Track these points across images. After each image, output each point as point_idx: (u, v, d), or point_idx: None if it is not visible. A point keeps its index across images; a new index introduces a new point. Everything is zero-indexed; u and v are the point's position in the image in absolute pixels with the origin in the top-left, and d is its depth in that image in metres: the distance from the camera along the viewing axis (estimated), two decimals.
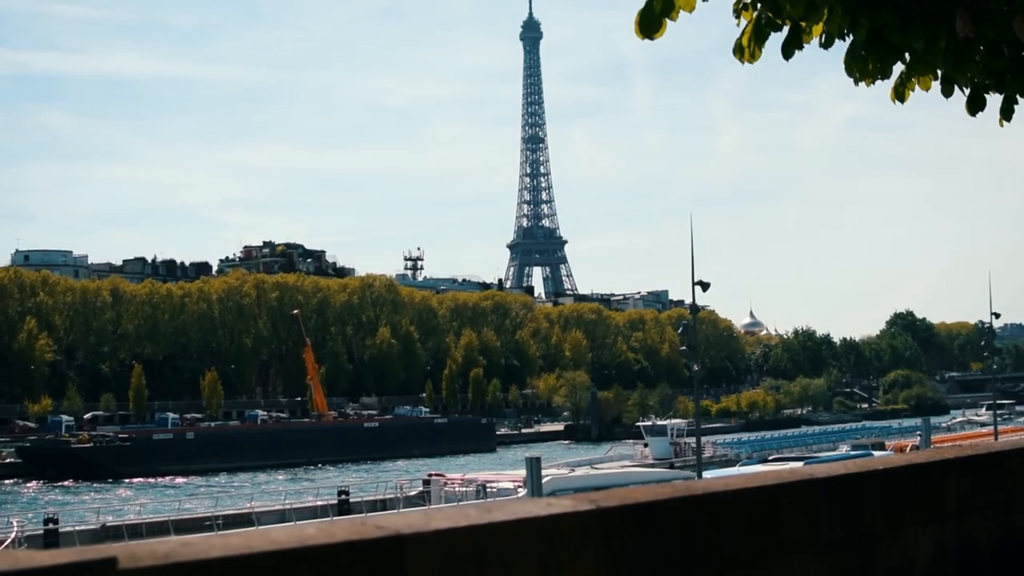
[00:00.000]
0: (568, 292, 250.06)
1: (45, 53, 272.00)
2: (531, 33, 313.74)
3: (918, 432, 73.93)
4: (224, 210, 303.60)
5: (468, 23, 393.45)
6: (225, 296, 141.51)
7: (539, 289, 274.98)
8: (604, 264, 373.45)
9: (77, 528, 41.66)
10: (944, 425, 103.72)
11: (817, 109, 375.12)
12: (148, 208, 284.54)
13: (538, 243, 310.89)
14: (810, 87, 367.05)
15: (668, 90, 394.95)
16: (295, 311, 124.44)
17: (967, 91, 5.44)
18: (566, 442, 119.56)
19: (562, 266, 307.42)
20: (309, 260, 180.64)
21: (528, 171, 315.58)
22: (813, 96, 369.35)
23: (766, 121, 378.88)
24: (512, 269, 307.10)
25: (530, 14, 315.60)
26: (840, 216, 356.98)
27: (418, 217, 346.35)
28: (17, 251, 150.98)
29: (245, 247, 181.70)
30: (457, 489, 46.02)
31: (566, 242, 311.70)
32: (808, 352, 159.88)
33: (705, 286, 35.87)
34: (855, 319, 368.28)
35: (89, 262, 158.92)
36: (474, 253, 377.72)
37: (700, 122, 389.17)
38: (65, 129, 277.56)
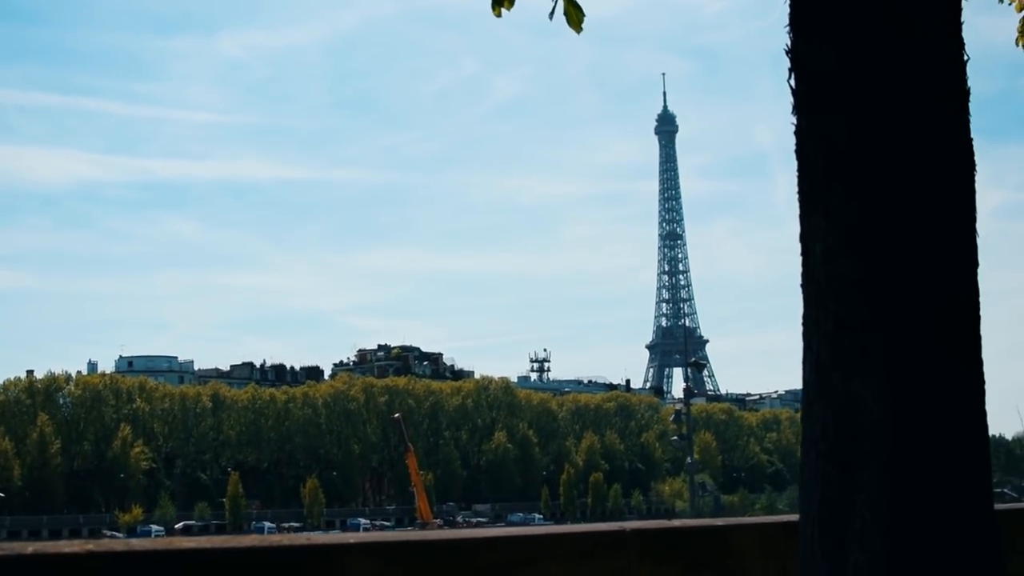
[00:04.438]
0: (703, 393, 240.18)
1: (170, 160, 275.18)
2: (666, 127, 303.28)
3: None
4: (351, 315, 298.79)
5: (600, 118, 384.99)
6: (332, 401, 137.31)
7: (679, 391, 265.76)
8: (745, 363, 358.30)
9: None
10: None
11: None
12: (272, 314, 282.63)
13: (678, 343, 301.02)
14: None
15: None
16: (395, 415, 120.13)
17: None
18: None
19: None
20: (426, 363, 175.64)
21: (666, 269, 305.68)
22: None
23: None
24: (651, 370, 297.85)
25: (664, 107, 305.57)
26: None
27: (549, 318, 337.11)
28: (121, 357, 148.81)
29: (359, 351, 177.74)
30: None
31: (707, 341, 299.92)
32: None
33: (701, 366, 29.22)
34: None
35: (196, 368, 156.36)
36: (607, 355, 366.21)
37: None
38: (192, 236, 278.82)
